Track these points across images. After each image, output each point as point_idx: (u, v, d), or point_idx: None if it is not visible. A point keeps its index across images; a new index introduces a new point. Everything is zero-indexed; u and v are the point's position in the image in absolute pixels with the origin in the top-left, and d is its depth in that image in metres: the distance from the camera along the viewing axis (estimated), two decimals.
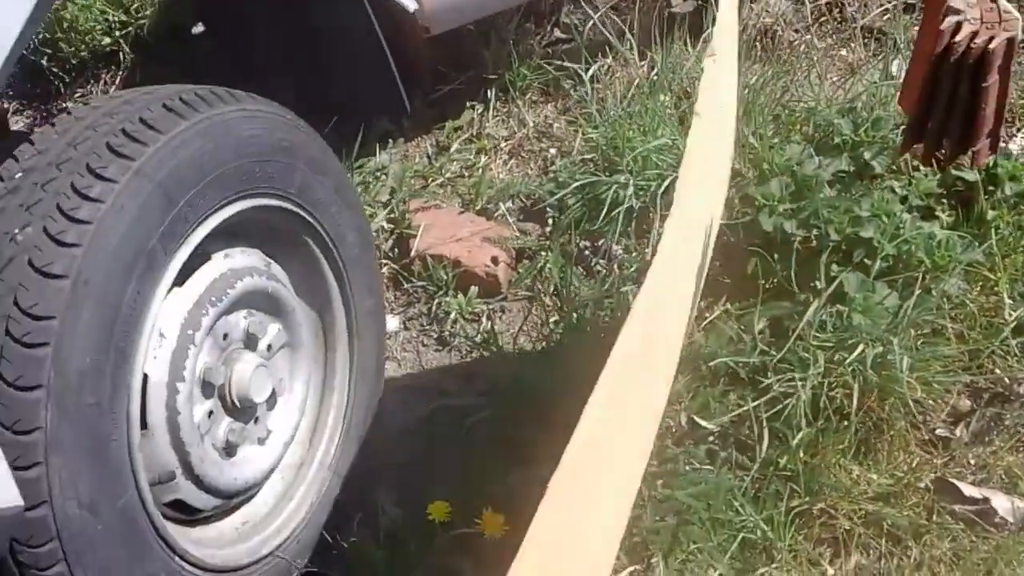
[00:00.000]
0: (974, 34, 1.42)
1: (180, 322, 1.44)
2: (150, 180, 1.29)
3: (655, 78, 2.51)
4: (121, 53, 3.17)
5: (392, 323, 2.32)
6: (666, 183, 2.17)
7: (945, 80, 1.46)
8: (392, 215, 2.49)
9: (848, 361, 1.85)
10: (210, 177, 1.39)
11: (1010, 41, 1.43)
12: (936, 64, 1.44)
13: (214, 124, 1.42)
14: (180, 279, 1.44)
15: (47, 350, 1.17)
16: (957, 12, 1.44)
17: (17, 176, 1.26)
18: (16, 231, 1.19)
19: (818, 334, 1.91)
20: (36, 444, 1.18)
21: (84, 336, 1.21)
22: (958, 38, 1.42)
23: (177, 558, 1.45)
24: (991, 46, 1.41)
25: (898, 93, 1.78)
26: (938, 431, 1.95)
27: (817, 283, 1.99)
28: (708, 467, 1.93)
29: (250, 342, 1.62)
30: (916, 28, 2.56)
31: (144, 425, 1.40)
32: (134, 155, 1.28)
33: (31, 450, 1.18)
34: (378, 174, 2.61)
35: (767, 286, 2.03)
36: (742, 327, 2.03)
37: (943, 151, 1.63)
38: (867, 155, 2.07)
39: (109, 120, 1.33)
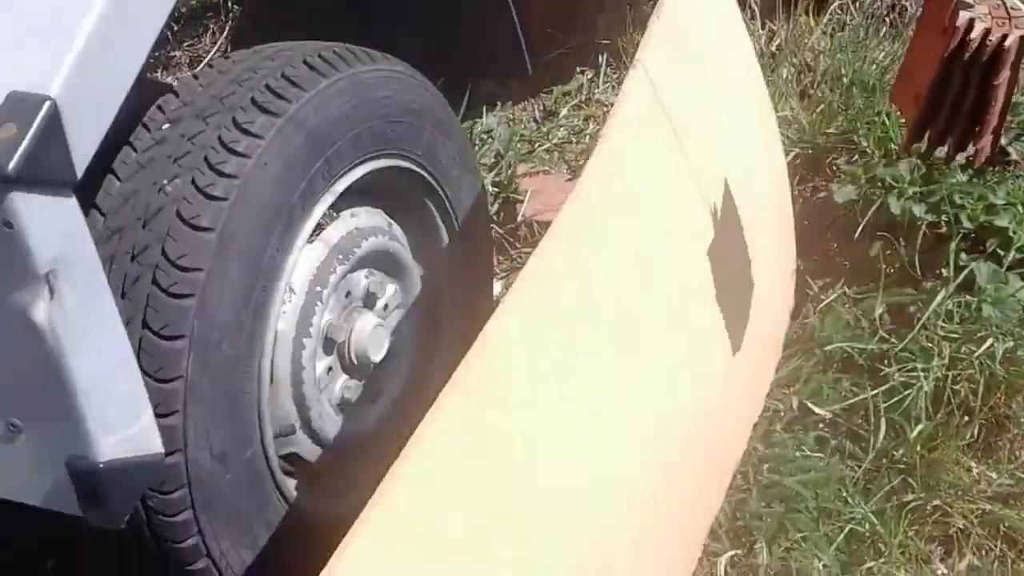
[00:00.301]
0: (987, 31, 1.39)
1: (310, 278, 1.44)
2: (294, 137, 1.28)
3: (776, 51, 2.43)
4: (228, 1, 3.19)
5: (496, 287, 2.31)
6: (789, 156, 2.10)
7: (956, 77, 1.42)
8: (498, 178, 2.47)
9: (977, 354, 1.79)
10: (348, 136, 1.38)
11: (1023, 39, 1.40)
12: (948, 61, 1.41)
13: (353, 83, 1.41)
14: (311, 236, 1.44)
15: (192, 301, 1.18)
16: (968, 7, 1.41)
17: (164, 127, 1.27)
18: (165, 182, 1.20)
19: (944, 324, 1.85)
20: (176, 393, 1.20)
21: (227, 289, 1.22)
22: (972, 35, 1.38)
23: (292, 509, 1.46)
24: (1006, 43, 1.37)
25: (892, 84, 1.73)
26: None
27: (943, 271, 1.93)
28: (818, 455, 1.89)
29: (369, 301, 1.62)
30: None
31: (271, 379, 1.41)
32: (279, 111, 1.28)
33: (171, 398, 1.20)
34: (484, 136, 2.58)
35: (889, 271, 1.97)
36: (860, 312, 1.98)
37: (947, 149, 1.60)
38: (1003, 140, 1.98)
39: (252, 75, 1.32)
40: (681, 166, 1.46)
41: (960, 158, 1.68)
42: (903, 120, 1.89)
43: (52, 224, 0.93)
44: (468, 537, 1.02)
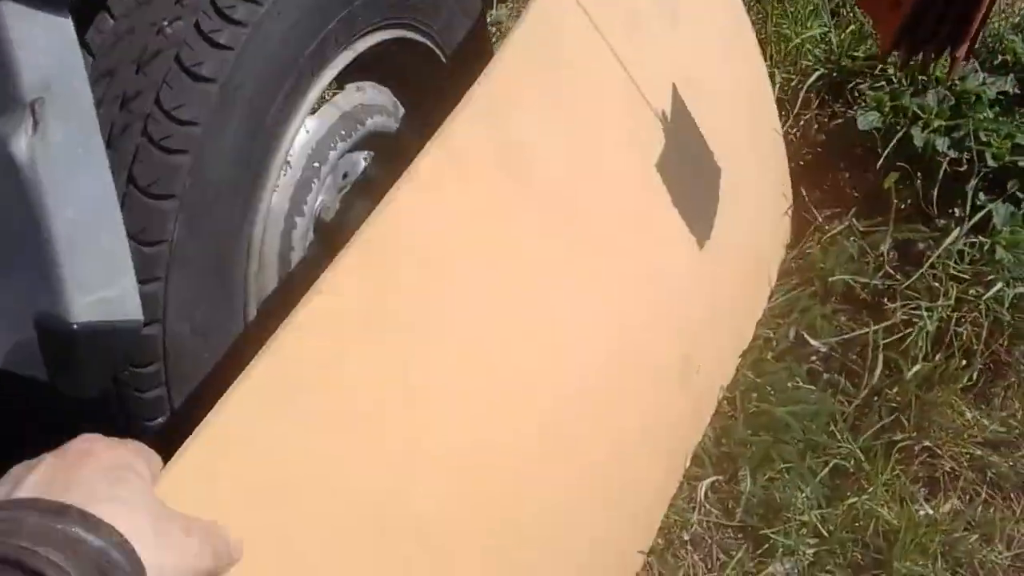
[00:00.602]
0: None
1: (308, 152, 1.33)
2: None
3: None
4: None
5: None
6: (812, 78, 2.01)
7: None
8: None
9: (985, 297, 1.74)
10: None
11: None
12: None
13: None
14: (315, 106, 1.32)
15: (186, 158, 1.07)
16: None
17: None
18: (166, 23, 1.07)
19: (954, 265, 1.79)
20: (159, 257, 1.09)
21: (226, 149, 1.11)
22: None
23: None
24: None
25: None
26: None
27: (957, 210, 1.86)
28: (809, 387, 1.84)
29: (366, 185, 1.51)
30: None
31: (259, 256, 1.30)
32: None
33: (153, 263, 1.09)
34: (492, 28, 2.45)
35: (901, 207, 1.90)
36: (867, 245, 1.91)
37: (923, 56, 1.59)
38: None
39: None
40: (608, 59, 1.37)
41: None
42: (874, 27, 1.87)
43: (43, 45, 0.81)
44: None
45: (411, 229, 0.95)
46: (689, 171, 1.53)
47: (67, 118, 0.84)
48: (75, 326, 0.94)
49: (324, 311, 0.93)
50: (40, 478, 0.61)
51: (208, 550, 0.66)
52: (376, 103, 1.47)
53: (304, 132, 1.31)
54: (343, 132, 1.39)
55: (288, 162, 1.30)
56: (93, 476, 0.62)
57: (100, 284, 0.96)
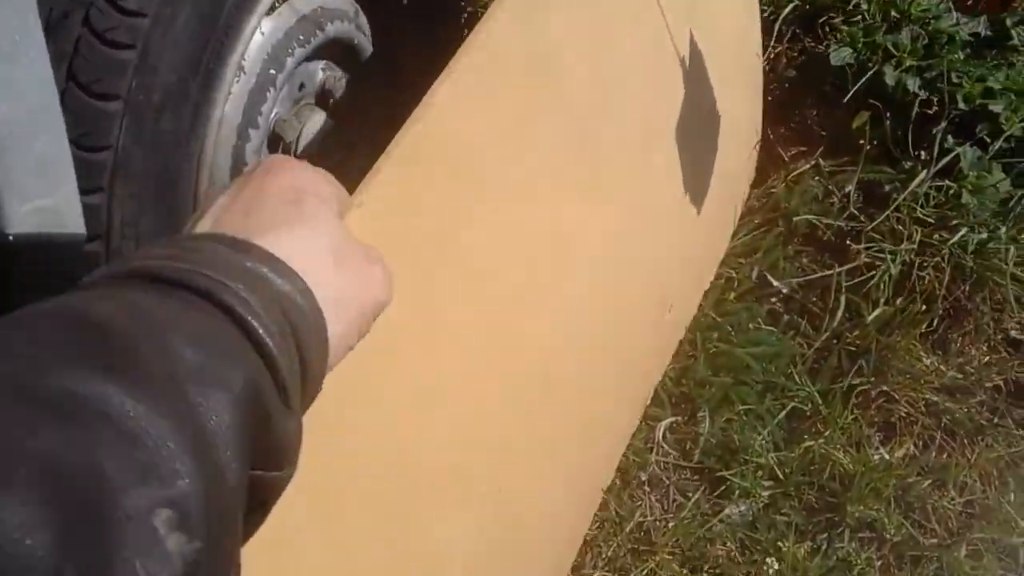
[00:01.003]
0: None
1: (264, 57, 1.21)
2: None
3: None
4: None
5: None
6: (786, 9, 1.94)
7: None
8: None
9: (949, 243, 1.71)
10: None
11: None
12: None
13: None
14: (270, 7, 1.20)
15: (131, 54, 0.95)
16: None
17: None
18: None
19: (920, 208, 1.76)
20: (103, 166, 0.98)
21: (175, 46, 0.99)
22: None
23: None
24: None
25: None
26: (1012, 333, 1.84)
27: (923, 153, 1.83)
28: (770, 328, 1.81)
29: (323, 98, 1.40)
30: None
31: (209, 170, 1.19)
32: None
33: (96, 172, 0.98)
34: None
35: (867, 147, 1.85)
36: (833, 186, 1.87)
37: None
38: (1009, 21, 1.87)
39: None
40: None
41: None
42: None
43: None
44: None
45: (446, 135, 0.84)
46: (695, 106, 1.45)
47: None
48: (10, 237, 0.82)
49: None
50: (222, 202, 0.57)
51: (389, 280, 0.61)
52: (336, 7, 1.35)
53: (260, 34, 1.19)
54: (301, 37, 1.27)
55: (242, 67, 1.19)
56: (272, 199, 0.57)
57: (38, 192, 0.85)
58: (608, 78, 1.19)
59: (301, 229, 0.56)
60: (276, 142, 1.33)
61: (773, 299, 1.85)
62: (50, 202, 0.87)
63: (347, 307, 0.56)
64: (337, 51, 1.40)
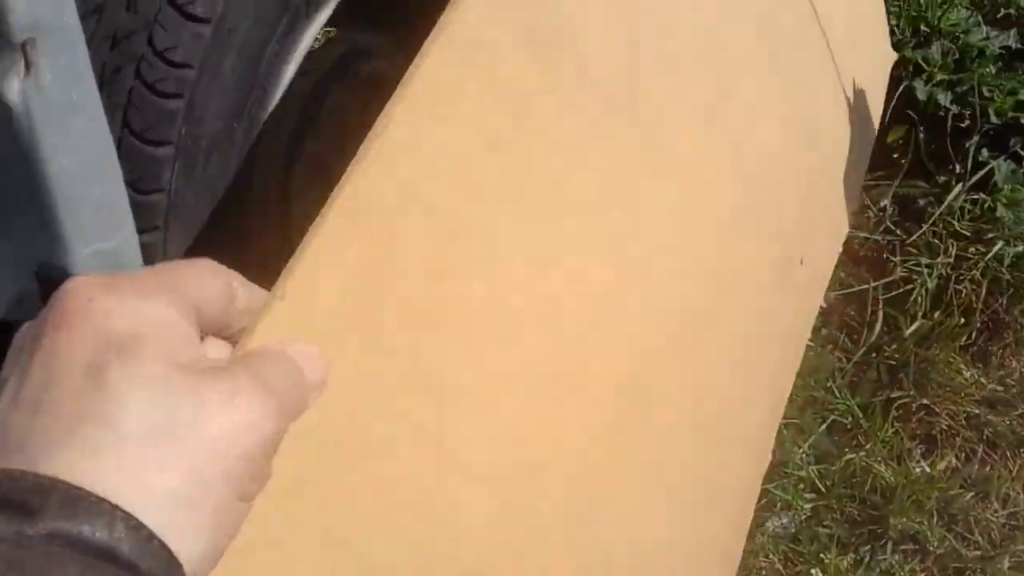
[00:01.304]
0: None
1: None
2: None
3: None
4: None
5: None
6: None
7: None
8: None
9: (987, 256, 1.72)
10: None
11: None
12: None
13: None
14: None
15: (180, 103, 1.02)
16: None
17: None
18: None
19: (954, 222, 1.77)
20: (157, 207, 1.05)
21: (221, 94, 1.06)
22: None
23: None
24: None
25: None
26: None
27: (958, 167, 1.84)
28: (809, 343, 1.83)
29: None
30: None
31: None
32: None
33: (151, 213, 1.05)
34: None
35: (901, 161, 1.87)
36: (868, 200, 1.89)
37: None
38: None
39: None
40: None
41: None
42: None
43: None
44: None
45: (416, 158, 0.61)
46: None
47: (59, 60, 0.79)
48: None
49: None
50: (11, 386, 0.40)
51: (270, 405, 0.41)
52: (370, 45, 1.42)
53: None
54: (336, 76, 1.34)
55: None
56: (64, 380, 0.39)
57: (99, 235, 0.91)
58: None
59: (98, 428, 0.38)
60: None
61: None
62: (111, 244, 0.94)
63: (200, 508, 0.38)
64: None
